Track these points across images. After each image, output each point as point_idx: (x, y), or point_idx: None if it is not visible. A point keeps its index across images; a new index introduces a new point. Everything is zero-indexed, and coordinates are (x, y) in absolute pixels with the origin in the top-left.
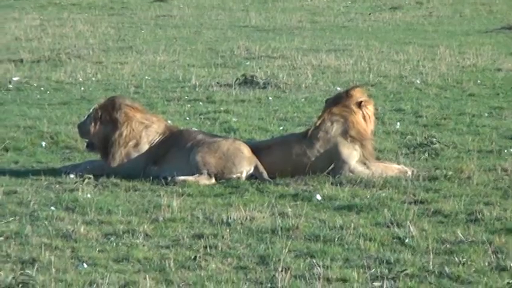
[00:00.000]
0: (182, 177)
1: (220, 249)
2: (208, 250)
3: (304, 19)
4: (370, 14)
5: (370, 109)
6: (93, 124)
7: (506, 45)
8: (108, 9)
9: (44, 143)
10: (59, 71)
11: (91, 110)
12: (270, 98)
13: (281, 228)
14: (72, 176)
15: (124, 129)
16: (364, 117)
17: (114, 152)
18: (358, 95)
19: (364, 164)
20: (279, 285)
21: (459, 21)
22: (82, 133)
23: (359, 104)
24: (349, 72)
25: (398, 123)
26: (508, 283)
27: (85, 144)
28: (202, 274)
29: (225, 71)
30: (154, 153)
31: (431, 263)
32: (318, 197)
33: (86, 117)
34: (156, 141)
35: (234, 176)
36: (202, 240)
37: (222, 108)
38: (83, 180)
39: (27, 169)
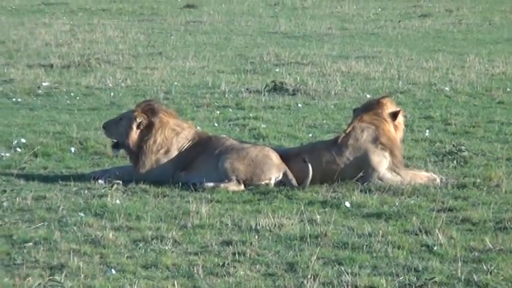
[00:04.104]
0: (211, 184)
1: (248, 256)
2: (237, 257)
3: (334, 26)
4: (399, 21)
5: (400, 117)
6: (134, 130)
7: None
8: (137, 15)
9: (73, 149)
10: (88, 76)
11: (126, 111)
12: (299, 105)
13: (309, 235)
14: (101, 181)
15: (158, 136)
16: (394, 126)
17: (144, 159)
18: (389, 104)
19: (394, 171)
20: None
21: (488, 29)
22: (107, 131)
23: (393, 115)
24: (378, 79)
25: (427, 131)
26: None
27: (112, 143)
28: (230, 281)
29: (255, 77)
30: (183, 160)
31: (459, 271)
32: (347, 204)
33: (115, 117)
34: (185, 147)
35: (263, 183)
36: (230, 246)
37: (251, 115)
38: (112, 186)
39: (56, 175)
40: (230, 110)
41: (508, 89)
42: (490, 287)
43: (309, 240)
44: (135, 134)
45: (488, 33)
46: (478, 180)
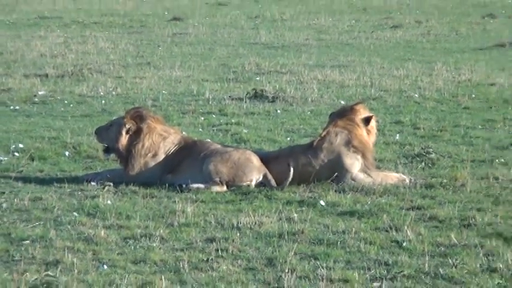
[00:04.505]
0: (196, 185)
1: (230, 252)
2: (220, 253)
3: (311, 37)
4: (372, 32)
5: (373, 123)
6: (123, 135)
7: (498, 61)
8: (127, 28)
9: (67, 153)
10: (81, 85)
11: (116, 117)
12: (278, 111)
13: (287, 232)
14: (93, 183)
15: (146, 141)
16: (365, 128)
17: (133, 162)
18: (362, 110)
19: (365, 172)
20: (285, 285)
21: (455, 39)
22: (99, 136)
23: (366, 120)
24: (352, 86)
25: (397, 135)
26: (498, 283)
27: (103, 147)
28: (214, 275)
29: (237, 85)
30: (170, 163)
31: (426, 264)
32: (322, 203)
33: (108, 122)
34: (172, 151)
35: (244, 184)
36: (214, 243)
37: (233, 121)
38: (104, 188)
39: (52, 177)
40: (214, 116)
41: (473, 95)
42: (455, 280)
43: (286, 237)
44: (124, 139)
45: (455, 42)
46: (445, 181)
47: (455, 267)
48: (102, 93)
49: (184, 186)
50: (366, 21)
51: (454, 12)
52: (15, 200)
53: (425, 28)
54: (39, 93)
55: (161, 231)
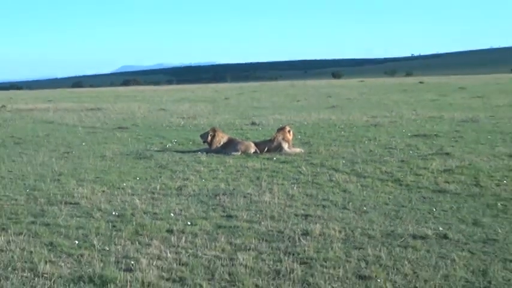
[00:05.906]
0: (233, 153)
1: (244, 175)
2: (240, 176)
3: (271, 105)
4: (291, 102)
5: (291, 131)
6: (209, 136)
7: (333, 112)
8: (211, 102)
9: (190, 143)
10: (195, 120)
11: (207, 130)
12: (260, 129)
13: (263, 168)
14: (199, 153)
15: (217, 138)
16: (289, 134)
17: (212, 146)
18: (287, 127)
19: (289, 149)
20: (262, 185)
21: (318, 104)
22: (201, 137)
23: (289, 131)
24: (285, 121)
25: (299, 136)
26: (332, 185)
27: (202, 141)
28: (237, 183)
29: (246, 120)
30: (224, 146)
31: (309, 178)
32: (274, 158)
33: (204, 132)
34: (225, 142)
35: (248, 152)
36: (238, 172)
37: (245, 132)
38: (202, 154)
39: (184, 151)
40: (239, 130)
41: (323, 123)
42: (320, 184)
43: (263, 170)
44: (210, 137)
45: (317, 104)
46: (315, 151)
47: (320, 179)
48: (202, 123)
49: (229, 153)
50: (289, 99)
51: (316, 96)
52: (173, 158)
53: (307, 102)
54: (181, 123)
55: (221, 168)
